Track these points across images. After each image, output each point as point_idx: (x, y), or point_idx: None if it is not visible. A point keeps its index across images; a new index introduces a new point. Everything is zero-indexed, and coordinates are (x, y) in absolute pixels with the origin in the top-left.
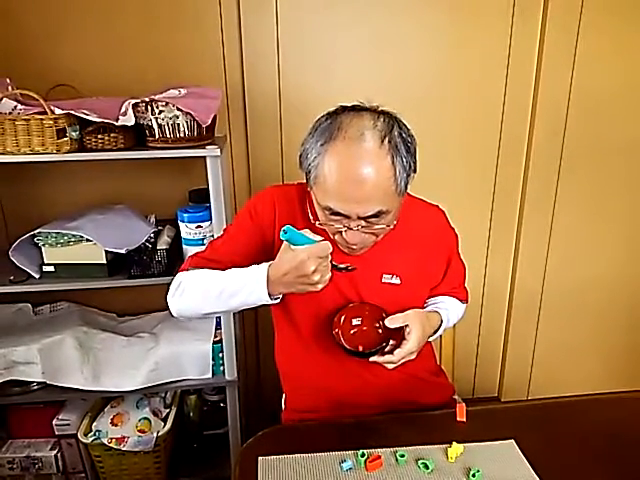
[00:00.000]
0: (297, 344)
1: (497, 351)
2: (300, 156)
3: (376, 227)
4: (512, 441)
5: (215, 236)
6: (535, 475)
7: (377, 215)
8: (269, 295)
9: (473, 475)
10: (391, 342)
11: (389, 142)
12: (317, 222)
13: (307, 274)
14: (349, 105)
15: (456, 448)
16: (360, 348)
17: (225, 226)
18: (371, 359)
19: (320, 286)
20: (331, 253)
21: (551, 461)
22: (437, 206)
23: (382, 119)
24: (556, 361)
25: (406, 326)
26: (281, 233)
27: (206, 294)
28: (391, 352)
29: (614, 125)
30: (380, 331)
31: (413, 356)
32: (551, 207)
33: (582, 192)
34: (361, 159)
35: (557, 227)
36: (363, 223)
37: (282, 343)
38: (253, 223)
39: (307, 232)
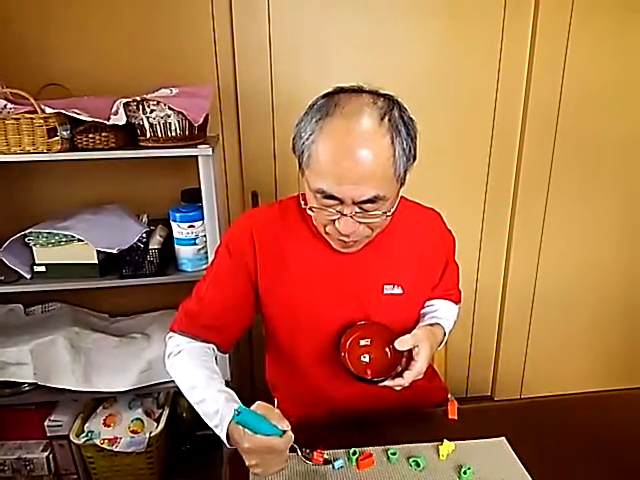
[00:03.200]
0: (292, 359)
1: (490, 351)
2: (294, 138)
3: (371, 215)
4: (503, 438)
5: (207, 236)
6: (526, 472)
7: (373, 201)
8: (228, 441)
9: (464, 472)
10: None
11: (389, 121)
12: (307, 208)
13: (246, 463)
14: (347, 86)
15: (447, 446)
16: (368, 372)
17: (216, 230)
18: (380, 384)
19: (257, 478)
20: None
21: (542, 458)
22: (433, 209)
23: (382, 99)
24: (549, 360)
25: (415, 346)
26: (233, 413)
27: (186, 392)
28: (400, 374)
29: (606, 121)
30: (389, 354)
31: (422, 376)
32: (543, 204)
33: (574, 189)
34: (358, 136)
35: (549, 225)
36: (357, 209)
37: (275, 359)
38: (233, 261)
39: (274, 415)
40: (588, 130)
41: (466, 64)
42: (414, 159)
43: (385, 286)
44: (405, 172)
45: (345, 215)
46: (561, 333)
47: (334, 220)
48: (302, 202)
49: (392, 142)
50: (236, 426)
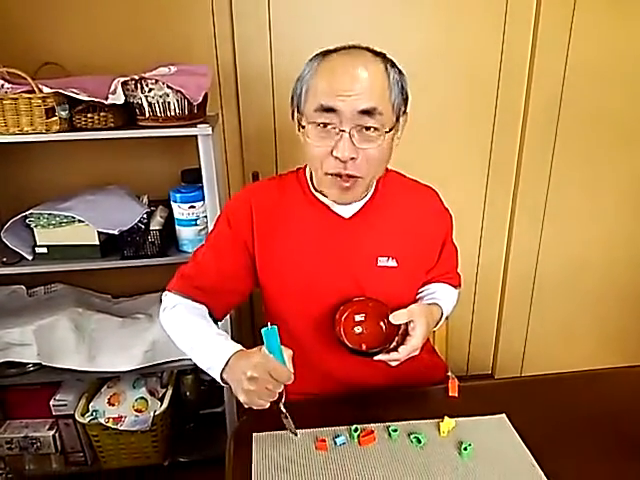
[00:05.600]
0: (293, 337)
1: (491, 330)
2: (294, 89)
3: (369, 136)
4: (503, 415)
5: (208, 217)
6: (526, 448)
7: (371, 112)
8: (222, 379)
9: (464, 449)
10: (395, 340)
11: (383, 58)
12: (308, 138)
13: (244, 376)
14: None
15: (448, 423)
16: (363, 347)
17: (217, 210)
18: (375, 358)
19: (242, 397)
20: (286, 410)
21: (542, 434)
22: (430, 187)
23: (376, 52)
24: (550, 340)
25: (410, 321)
26: (264, 329)
27: (180, 344)
28: (395, 349)
29: (610, 97)
30: (384, 328)
31: (417, 352)
32: (546, 183)
33: (577, 168)
34: (356, 60)
35: (551, 204)
36: (357, 121)
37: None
38: (232, 231)
39: (287, 354)
40: (592, 107)
41: (469, 37)
42: (406, 102)
43: (379, 258)
44: (399, 108)
45: (344, 131)
46: (562, 312)
47: (332, 151)
48: (302, 133)
49: (386, 70)
50: (251, 352)
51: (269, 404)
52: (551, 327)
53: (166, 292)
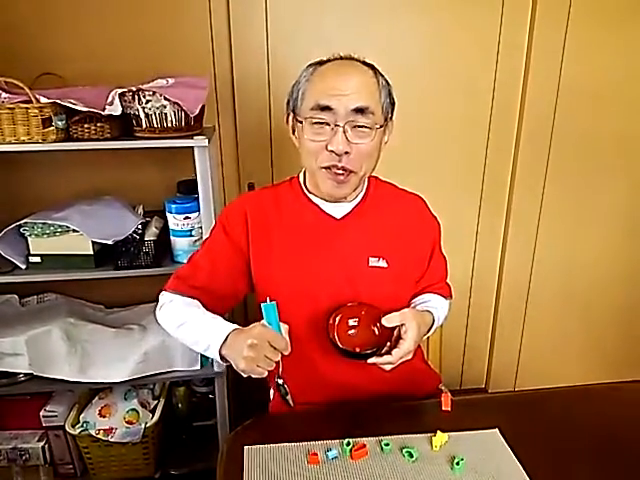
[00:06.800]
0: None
1: (485, 343)
2: (289, 93)
3: (361, 132)
4: (496, 430)
5: (203, 228)
6: (518, 463)
7: (363, 111)
8: (220, 356)
9: (457, 463)
10: (387, 343)
11: (373, 69)
12: (304, 134)
13: (245, 344)
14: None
15: (440, 437)
16: (357, 349)
17: (212, 221)
18: (369, 361)
19: (242, 365)
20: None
21: (534, 450)
22: (418, 195)
23: (365, 62)
24: (544, 353)
25: (402, 325)
26: (264, 303)
27: (177, 333)
28: (388, 353)
29: (603, 115)
30: (377, 332)
31: (410, 356)
32: (539, 197)
33: (571, 182)
34: (348, 66)
35: (545, 218)
36: (351, 118)
37: None
38: (227, 236)
39: (284, 328)
40: (586, 122)
41: (463, 55)
42: (392, 108)
43: (370, 258)
44: (387, 110)
45: (339, 126)
46: (556, 326)
47: (327, 145)
48: (298, 137)
49: (375, 75)
50: (250, 327)
51: (267, 373)
52: (545, 342)
53: (162, 292)
